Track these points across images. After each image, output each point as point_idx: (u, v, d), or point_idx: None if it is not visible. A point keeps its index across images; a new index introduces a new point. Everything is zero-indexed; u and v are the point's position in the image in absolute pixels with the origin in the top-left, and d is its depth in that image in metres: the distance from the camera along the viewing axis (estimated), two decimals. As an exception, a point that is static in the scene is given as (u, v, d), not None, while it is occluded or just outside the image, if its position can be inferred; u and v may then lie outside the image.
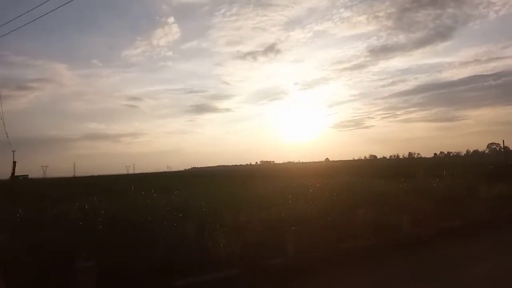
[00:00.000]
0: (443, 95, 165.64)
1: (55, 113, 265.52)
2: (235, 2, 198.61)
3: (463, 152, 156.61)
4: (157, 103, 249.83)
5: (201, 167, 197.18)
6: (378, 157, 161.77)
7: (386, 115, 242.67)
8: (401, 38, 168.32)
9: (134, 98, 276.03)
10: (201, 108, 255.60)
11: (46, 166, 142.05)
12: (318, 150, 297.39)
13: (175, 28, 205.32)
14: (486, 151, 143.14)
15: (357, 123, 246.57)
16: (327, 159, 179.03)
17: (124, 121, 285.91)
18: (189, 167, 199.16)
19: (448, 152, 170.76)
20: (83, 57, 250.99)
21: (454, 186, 13.23)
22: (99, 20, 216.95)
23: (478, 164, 39.42)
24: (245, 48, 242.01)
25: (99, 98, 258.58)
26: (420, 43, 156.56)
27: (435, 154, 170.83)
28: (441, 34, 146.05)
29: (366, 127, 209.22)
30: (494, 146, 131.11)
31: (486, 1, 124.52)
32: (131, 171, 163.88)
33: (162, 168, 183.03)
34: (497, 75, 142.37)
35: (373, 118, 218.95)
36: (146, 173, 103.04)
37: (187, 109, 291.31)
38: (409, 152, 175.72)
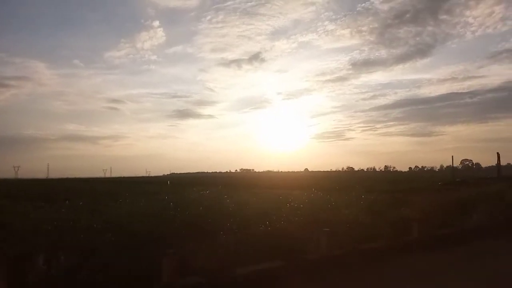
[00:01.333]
0: (421, 110, 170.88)
1: (32, 112, 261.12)
2: (222, 9, 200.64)
3: (438, 167, 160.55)
4: (139, 107, 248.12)
5: (180, 173, 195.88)
6: (356, 169, 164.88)
7: (366, 128, 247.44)
8: (382, 53, 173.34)
9: (116, 101, 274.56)
10: (184, 114, 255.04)
11: (18, 167, 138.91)
12: (299, 160, 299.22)
13: (160, 32, 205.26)
14: (459, 167, 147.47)
15: (338, 135, 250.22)
16: (306, 169, 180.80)
17: (105, 123, 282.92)
18: (169, 173, 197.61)
19: (422, 166, 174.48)
20: (64, 56, 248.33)
21: (376, 202, 13.74)
22: (83, 20, 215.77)
23: (438, 179, 40.73)
24: (230, 55, 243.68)
25: (80, 99, 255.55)
26: (401, 59, 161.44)
27: (410, 168, 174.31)
28: (421, 51, 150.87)
29: (347, 139, 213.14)
30: (467, 162, 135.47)
31: (463, 21, 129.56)
32: (108, 175, 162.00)
33: (141, 173, 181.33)
34: (472, 93, 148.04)
35: (353, 130, 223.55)
36: (122, 177, 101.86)
37: (169, 114, 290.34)
38: (385, 165, 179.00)
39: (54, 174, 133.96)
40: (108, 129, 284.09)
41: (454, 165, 57.10)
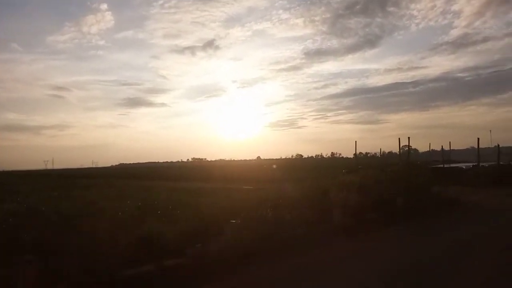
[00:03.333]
0: (370, 99, 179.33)
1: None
2: None
3: (380, 152, 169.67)
4: (86, 94, 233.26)
5: (130, 163, 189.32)
6: (305, 156, 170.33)
7: (318, 116, 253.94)
8: (334, 43, 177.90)
9: (61, 88, 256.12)
10: (135, 102, 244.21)
11: None
12: (253, 148, 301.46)
13: (108, 16, 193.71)
14: (400, 152, 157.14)
15: (291, 123, 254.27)
16: (258, 157, 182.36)
17: (49, 112, 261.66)
18: (117, 163, 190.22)
19: (366, 152, 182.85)
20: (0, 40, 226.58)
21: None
22: (21, 0, 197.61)
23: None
24: (183, 42, 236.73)
25: (19, 86, 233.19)
26: (351, 49, 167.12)
27: (354, 154, 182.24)
28: (370, 41, 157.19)
29: (299, 127, 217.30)
30: (407, 148, 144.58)
31: (408, 14, 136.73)
32: (50, 166, 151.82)
33: (87, 164, 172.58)
34: (415, 83, 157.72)
35: (306, 118, 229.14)
36: (64, 169, 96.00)
37: (119, 102, 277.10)
38: (332, 152, 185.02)
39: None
40: (53, 118, 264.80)
41: (395, 150, 59.66)
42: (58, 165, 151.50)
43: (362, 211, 9.69)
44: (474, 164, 24.67)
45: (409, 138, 24.83)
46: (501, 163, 24.63)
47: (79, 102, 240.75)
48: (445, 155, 29.95)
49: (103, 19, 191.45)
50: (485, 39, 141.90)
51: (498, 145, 26.11)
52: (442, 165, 25.95)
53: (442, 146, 32.16)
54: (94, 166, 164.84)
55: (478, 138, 23.64)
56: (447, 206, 12.29)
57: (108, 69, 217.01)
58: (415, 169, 13.90)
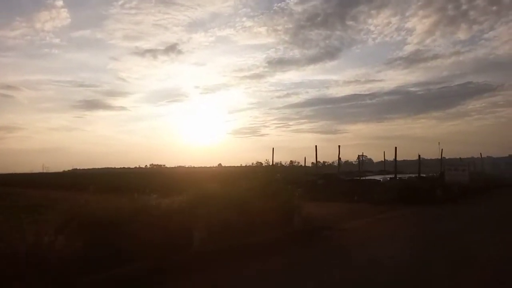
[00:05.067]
0: (329, 109, 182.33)
1: None
2: None
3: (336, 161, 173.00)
4: (38, 95, 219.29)
5: (84, 169, 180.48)
6: (264, 164, 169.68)
7: (280, 125, 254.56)
8: (296, 53, 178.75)
9: (10, 87, 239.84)
10: (92, 104, 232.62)
11: None
12: (214, 155, 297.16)
13: (64, 13, 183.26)
14: (355, 162, 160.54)
15: (253, 131, 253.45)
16: (220, 164, 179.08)
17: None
18: (70, 168, 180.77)
19: (323, 161, 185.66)
20: None
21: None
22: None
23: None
24: (144, 44, 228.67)
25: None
26: (312, 60, 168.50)
27: (312, 163, 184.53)
28: (330, 53, 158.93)
29: (262, 135, 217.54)
30: (362, 157, 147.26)
31: (366, 29, 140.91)
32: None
33: (38, 169, 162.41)
34: (372, 95, 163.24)
35: (268, 126, 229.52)
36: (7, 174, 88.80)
37: (75, 104, 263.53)
38: (291, 160, 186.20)
39: None
40: (0, 119, 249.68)
41: (351, 160, 58.95)
42: (2, 170, 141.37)
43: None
44: (391, 176, 22.76)
45: (339, 146, 22.29)
46: (422, 175, 22.93)
47: (30, 102, 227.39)
48: (390, 166, 28.57)
49: (58, 16, 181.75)
50: (435, 57, 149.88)
51: (419, 156, 24.40)
52: (358, 178, 23.82)
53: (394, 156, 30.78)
54: (45, 171, 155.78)
55: (419, 155, 22.04)
56: (307, 238, 9.48)
57: (63, 69, 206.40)
58: (271, 185, 10.67)
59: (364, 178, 24.07)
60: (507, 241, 8.97)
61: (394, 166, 23.12)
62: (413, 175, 23.12)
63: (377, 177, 25.55)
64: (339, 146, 26.65)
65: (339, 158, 31.25)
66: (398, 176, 22.91)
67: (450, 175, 21.05)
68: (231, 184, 12.07)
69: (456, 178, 20.53)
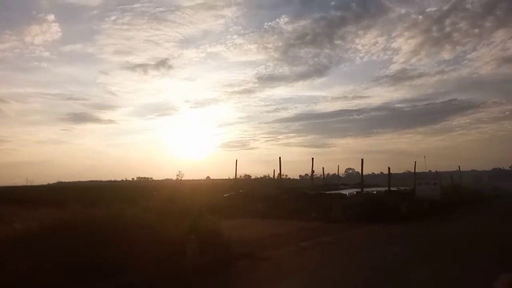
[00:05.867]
0: (317, 124, 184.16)
1: None
2: (128, 10, 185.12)
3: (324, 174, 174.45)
4: (26, 107, 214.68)
5: (69, 182, 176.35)
6: (253, 177, 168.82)
7: (269, 139, 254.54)
8: (285, 69, 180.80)
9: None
10: (80, 117, 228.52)
11: None
12: (204, 168, 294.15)
13: (55, 27, 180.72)
14: (343, 175, 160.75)
15: (243, 144, 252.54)
16: (208, 177, 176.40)
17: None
18: (55, 181, 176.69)
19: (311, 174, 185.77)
20: None
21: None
22: None
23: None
24: (135, 59, 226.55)
25: None
26: (301, 76, 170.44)
27: (300, 175, 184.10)
28: (319, 70, 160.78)
29: (251, 148, 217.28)
30: (351, 171, 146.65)
31: (354, 48, 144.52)
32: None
33: (22, 182, 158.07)
34: (359, 111, 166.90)
35: (257, 140, 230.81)
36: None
37: (63, 117, 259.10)
38: (279, 173, 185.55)
39: None
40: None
41: (340, 173, 57.84)
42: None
43: None
44: (358, 190, 20.85)
45: (312, 159, 20.37)
46: (393, 189, 21.09)
47: (17, 115, 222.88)
48: (372, 179, 26.76)
49: (49, 30, 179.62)
50: (420, 75, 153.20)
51: (389, 168, 22.58)
52: (323, 192, 21.79)
53: (382, 170, 29.84)
54: (29, 184, 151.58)
55: (389, 168, 20.52)
56: (206, 272, 7.43)
57: (52, 82, 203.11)
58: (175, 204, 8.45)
59: (330, 192, 22.11)
60: (463, 278, 6.95)
61: (361, 179, 21.20)
62: (383, 189, 21.26)
63: (348, 191, 23.66)
64: (312, 159, 24.77)
65: (313, 171, 29.53)
66: (366, 190, 20.98)
67: (420, 189, 19.24)
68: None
69: (426, 193, 18.68)
